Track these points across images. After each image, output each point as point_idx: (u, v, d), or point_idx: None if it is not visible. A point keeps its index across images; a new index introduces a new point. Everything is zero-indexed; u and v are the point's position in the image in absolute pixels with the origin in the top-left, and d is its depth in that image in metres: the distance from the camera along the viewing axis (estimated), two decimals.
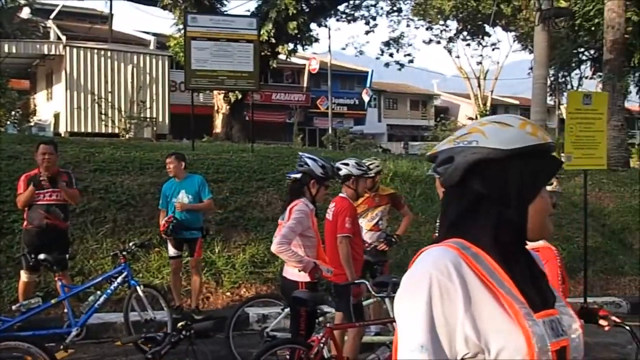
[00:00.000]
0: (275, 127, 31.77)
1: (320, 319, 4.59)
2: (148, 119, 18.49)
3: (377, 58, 31.02)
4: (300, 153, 4.58)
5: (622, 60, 15.67)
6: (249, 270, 7.81)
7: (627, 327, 3.30)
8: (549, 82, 30.36)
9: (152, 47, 22.50)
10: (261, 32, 15.02)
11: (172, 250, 6.80)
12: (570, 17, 22.76)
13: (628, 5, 17.11)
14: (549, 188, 1.37)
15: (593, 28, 21.45)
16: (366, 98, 37.14)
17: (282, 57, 19.01)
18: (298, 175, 4.45)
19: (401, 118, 46.67)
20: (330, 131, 29.67)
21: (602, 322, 2.99)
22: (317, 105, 34.82)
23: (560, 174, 12.74)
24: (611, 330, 3.08)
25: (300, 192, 4.41)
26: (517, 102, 47.09)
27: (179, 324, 2.59)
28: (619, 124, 14.39)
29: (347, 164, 5.13)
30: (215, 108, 17.98)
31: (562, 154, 8.48)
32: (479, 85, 37.37)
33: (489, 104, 37.29)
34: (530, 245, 2.77)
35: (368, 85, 38.63)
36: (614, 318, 3.00)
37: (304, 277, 4.24)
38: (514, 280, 1.21)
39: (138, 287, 5.87)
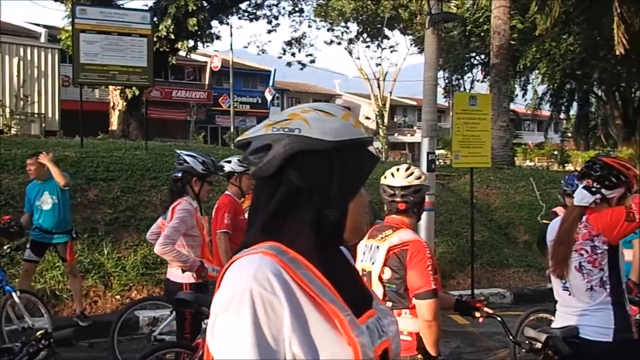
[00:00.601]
0: (175, 125, 30.93)
1: (206, 320, 4.49)
2: (35, 115, 17.39)
3: (280, 57, 31.05)
4: (178, 151, 4.45)
5: (508, 64, 16.63)
6: (141, 271, 7.54)
7: (499, 319, 3.47)
8: (443, 84, 31.96)
9: (42, 39, 21.20)
10: (160, 28, 14.58)
11: (28, 252, 6.32)
12: (461, 23, 23.90)
13: (513, 13, 18.21)
14: None
15: (482, 34, 22.69)
16: (269, 97, 37.03)
17: (182, 53, 18.56)
18: (179, 174, 4.33)
19: None
20: (232, 129, 29.33)
21: (476, 314, 3.13)
22: (220, 103, 34.32)
23: (451, 172, 13.35)
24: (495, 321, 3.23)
25: (182, 190, 4.30)
26: (414, 103, 48.76)
27: (38, 333, 2.41)
28: (504, 124, 15.26)
29: (229, 162, 5.10)
30: (111, 104, 17.25)
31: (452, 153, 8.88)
32: (379, 87, 38.35)
33: (388, 104, 38.32)
34: (400, 239, 2.84)
35: (271, 84, 38.55)
36: (486, 309, 3.15)
37: (188, 279, 4.13)
38: (335, 284, 1.11)
39: (14, 293, 5.50)
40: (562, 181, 5.63)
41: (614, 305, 2.84)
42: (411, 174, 2.92)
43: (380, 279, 2.76)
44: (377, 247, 2.91)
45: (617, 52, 17.28)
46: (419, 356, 2.71)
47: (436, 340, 2.71)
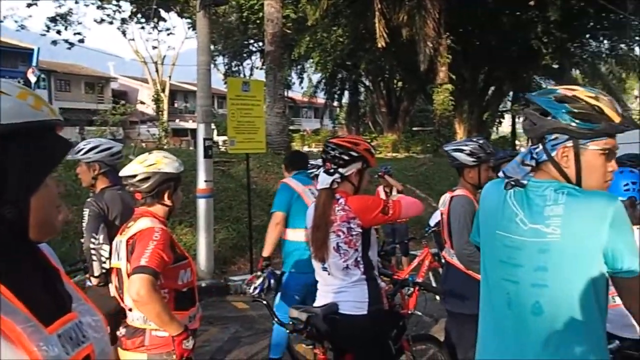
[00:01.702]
0: None
1: None
2: None
3: (43, 35, 28.12)
4: None
5: (282, 52, 17.14)
6: None
7: (264, 302, 3.50)
8: (223, 70, 31.96)
9: None
10: None
11: None
12: (237, 9, 24.05)
13: (286, 2, 18.81)
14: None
15: (259, 21, 23.11)
16: (32, 78, 33.35)
17: None
18: None
19: (76, 101, 43.42)
20: None
21: None
22: None
23: (230, 158, 13.38)
24: None
25: None
26: (195, 88, 48.18)
27: None
28: (280, 111, 15.72)
29: None
30: None
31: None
32: (157, 70, 37.02)
33: (167, 89, 37.22)
34: (136, 229, 2.64)
35: (34, 63, 34.81)
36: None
37: None
38: (18, 292, 0.95)
39: None
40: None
41: (368, 281, 3.02)
42: (142, 161, 2.75)
43: (128, 275, 2.55)
44: (121, 241, 2.72)
45: (379, 45, 18.88)
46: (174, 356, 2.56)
47: (158, 317, 2.48)
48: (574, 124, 1.78)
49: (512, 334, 1.86)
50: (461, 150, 3.63)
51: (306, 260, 4.48)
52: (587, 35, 25.42)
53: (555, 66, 25.77)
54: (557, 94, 1.84)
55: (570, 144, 1.81)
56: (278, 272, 4.52)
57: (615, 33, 24.06)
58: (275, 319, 3.50)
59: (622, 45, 25.73)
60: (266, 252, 4.51)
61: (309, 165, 4.96)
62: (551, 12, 19.04)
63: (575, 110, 1.78)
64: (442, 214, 3.88)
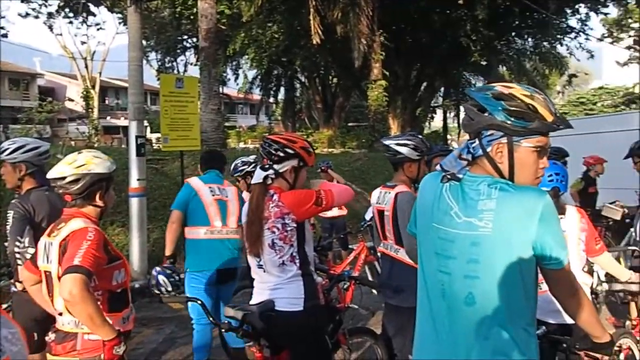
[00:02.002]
0: None
1: None
2: None
3: None
4: None
5: (217, 48, 16.92)
6: None
7: (199, 302, 3.46)
8: (156, 66, 31.23)
9: None
10: None
11: None
12: (170, 4, 23.56)
13: None
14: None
15: (192, 17, 22.71)
16: None
17: None
18: None
19: None
20: None
21: None
22: None
23: (164, 156, 13.11)
24: None
25: None
26: (127, 85, 46.87)
27: None
28: (215, 107, 15.53)
29: None
30: None
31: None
32: (87, 66, 35.78)
33: (97, 85, 36.05)
34: (69, 230, 2.56)
35: None
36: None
37: None
38: None
39: None
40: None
41: (304, 277, 3.04)
42: (71, 162, 2.66)
43: (59, 278, 2.47)
44: (51, 243, 2.62)
45: (314, 42, 18.94)
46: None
47: (90, 319, 2.39)
48: (509, 122, 1.84)
49: (446, 324, 1.91)
50: (406, 145, 3.65)
51: (205, 257, 4.50)
52: (513, 34, 26.38)
53: (484, 63, 26.58)
54: (495, 91, 1.89)
55: (504, 140, 1.87)
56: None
57: (539, 31, 25.07)
58: (211, 318, 3.47)
59: (545, 43, 26.83)
60: (168, 251, 4.48)
61: (224, 164, 4.97)
62: (479, 11, 19.64)
63: (511, 108, 1.84)
64: (378, 210, 3.86)
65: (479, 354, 1.83)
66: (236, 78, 32.05)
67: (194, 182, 4.68)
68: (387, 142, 3.77)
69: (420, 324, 2.06)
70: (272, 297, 3.03)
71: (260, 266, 3.08)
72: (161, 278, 3.90)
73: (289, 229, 2.99)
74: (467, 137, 2.00)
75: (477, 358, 1.83)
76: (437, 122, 44.58)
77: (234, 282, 4.76)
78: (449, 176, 1.93)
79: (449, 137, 36.84)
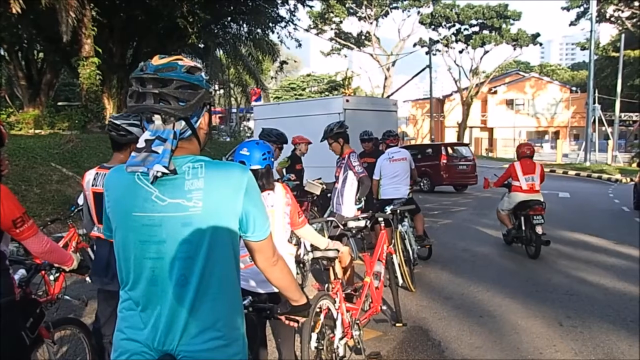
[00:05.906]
0: None
1: None
2: None
3: None
4: None
5: None
6: None
7: None
8: None
9: None
10: None
11: None
12: None
13: None
14: None
15: None
16: None
17: None
18: None
19: None
20: None
21: None
22: None
23: None
24: None
25: None
26: None
27: None
28: None
29: None
30: None
31: None
32: None
33: None
34: None
35: None
36: None
37: None
38: None
39: None
40: None
41: None
42: None
43: None
44: None
45: (14, 11, 16.95)
46: None
47: None
48: (210, 88, 1.91)
49: (162, 310, 1.84)
50: (137, 125, 3.50)
51: None
52: (229, 18, 27.18)
53: (202, 45, 26.96)
54: (183, 65, 1.87)
55: (205, 110, 1.93)
56: None
57: (252, 18, 26.31)
58: None
59: (259, 30, 28.31)
60: None
61: None
62: None
63: (206, 76, 1.90)
64: (94, 192, 3.62)
65: (192, 331, 1.83)
66: None
67: None
68: (118, 122, 3.58)
69: (129, 316, 1.96)
70: None
71: None
72: None
73: None
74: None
75: (191, 336, 1.83)
76: None
77: None
78: (157, 175, 1.80)
79: None
